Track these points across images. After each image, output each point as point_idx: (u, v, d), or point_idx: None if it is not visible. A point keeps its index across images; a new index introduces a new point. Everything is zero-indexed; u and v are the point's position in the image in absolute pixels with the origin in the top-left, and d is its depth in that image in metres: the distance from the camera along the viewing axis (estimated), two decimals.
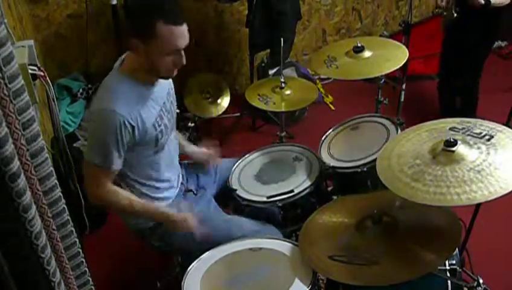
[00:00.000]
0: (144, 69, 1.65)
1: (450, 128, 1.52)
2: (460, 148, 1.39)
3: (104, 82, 1.70)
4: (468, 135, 1.46)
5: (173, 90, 1.90)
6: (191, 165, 2.10)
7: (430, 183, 1.35)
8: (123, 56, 1.73)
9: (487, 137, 1.43)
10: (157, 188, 1.83)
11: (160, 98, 1.76)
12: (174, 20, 1.55)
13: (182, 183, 1.97)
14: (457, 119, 1.56)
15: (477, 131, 1.47)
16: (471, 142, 1.42)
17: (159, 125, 1.72)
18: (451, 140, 1.40)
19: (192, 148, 2.09)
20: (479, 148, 1.40)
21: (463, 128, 1.50)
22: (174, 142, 1.92)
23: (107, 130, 1.59)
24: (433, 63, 4.12)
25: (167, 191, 1.87)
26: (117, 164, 1.66)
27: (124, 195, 1.73)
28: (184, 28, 1.58)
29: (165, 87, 1.81)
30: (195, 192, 2.00)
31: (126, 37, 1.63)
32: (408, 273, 1.35)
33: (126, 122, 1.59)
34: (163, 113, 1.76)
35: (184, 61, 1.64)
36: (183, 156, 2.04)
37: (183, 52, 1.62)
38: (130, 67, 1.67)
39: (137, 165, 1.76)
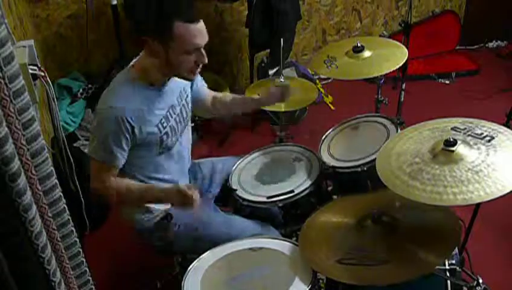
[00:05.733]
0: (157, 69, 1.65)
1: (452, 128, 1.52)
2: (460, 149, 1.39)
3: (111, 82, 1.70)
4: (469, 135, 1.46)
5: (188, 93, 1.88)
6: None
7: (428, 182, 1.34)
8: (138, 57, 1.71)
9: (488, 138, 1.43)
10: None
11: (169, 100, 1.75)
12: (191, 18, 1.55)
13: None
14: (460, 119, 1.56)
15: (479, 132, 1.47)
16: (471, 143, 1.42)
17: (164, 127, 1.72)
18: (451, 140, 1.40)
19: (259, 97, 2.14)
20: (478, 148, 1.40)
21: (465, 128, 1.50)
22: (184, 144, 1.91)
23: (106, 126, 1.60)
24: (433, 63, 4.13)
25: None
26: (118, 160, 1.65)
27: (122, 185, 1.71)
28: (201, 25, 1.58)
29: (175, 89, 1.79)
30: (200, 195, 1.99)
31: (138, 37, 1.61)
32: (408, 272, 1.35)
33: (124, 119, 1.59)
34: (170, 115, 1.76)
35: (206, 60, 1.63)
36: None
37: (203, 51, 1.61)
38: (140, 67, 1.67)
39: (143, 166, 1.76)
